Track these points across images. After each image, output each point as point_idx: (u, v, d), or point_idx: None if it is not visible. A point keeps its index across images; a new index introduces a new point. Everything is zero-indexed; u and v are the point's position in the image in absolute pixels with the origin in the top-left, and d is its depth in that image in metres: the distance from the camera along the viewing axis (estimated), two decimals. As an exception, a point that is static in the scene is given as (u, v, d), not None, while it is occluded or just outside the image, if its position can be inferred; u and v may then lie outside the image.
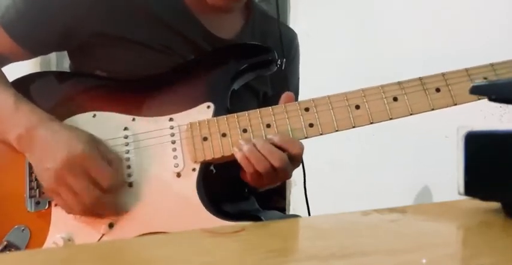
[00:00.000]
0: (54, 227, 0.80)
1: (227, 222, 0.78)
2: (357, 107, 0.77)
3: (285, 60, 0.91)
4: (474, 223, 0.45)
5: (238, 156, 0.77)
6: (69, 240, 0.79)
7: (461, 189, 0.44)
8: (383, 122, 0.79)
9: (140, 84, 0.86)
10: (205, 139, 0.80)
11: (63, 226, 0.80)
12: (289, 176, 0.82)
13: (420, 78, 0.77)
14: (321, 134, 0.78)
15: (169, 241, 0.41)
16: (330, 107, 0.78)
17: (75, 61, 0.94)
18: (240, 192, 0.99)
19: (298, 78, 1.09)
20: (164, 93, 0.85)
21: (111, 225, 0.79)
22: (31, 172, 0.81)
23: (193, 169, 0.80)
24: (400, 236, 0.41)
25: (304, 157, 0.83)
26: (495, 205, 0.45)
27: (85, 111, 0.84)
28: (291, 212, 1.97)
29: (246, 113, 0.80)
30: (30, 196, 0.81)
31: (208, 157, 0.80)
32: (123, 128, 0.82)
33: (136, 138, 0.82)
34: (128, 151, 0.81)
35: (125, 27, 0.86)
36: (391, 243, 0.38)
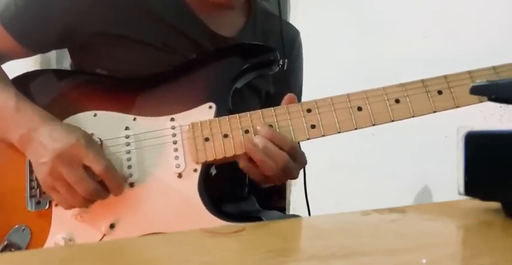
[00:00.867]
0: (55, 227, 0.80)
1: (227, 222, 0.78)
2: (359, 109, 0.77)
3: (286, 60, 0.91)
4: (474, 223, 0.45)
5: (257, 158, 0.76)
6: (70, 240, 0.79)
7: (461, 189, 0.44)
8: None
9: (142, 84, 0.86)
10: (207, 139, 0.80)
11: (64, 226, 0.80)
12: (296, 176, 0.82)
13: (422, 80, 0.77)
14: (323, 136, 0.78)
15: (169, 241, 0.41)
16: (332, 109, 0.78)
17: (75, 59, 0.94)
18: (240, 192, 0.99)
19: (302, 77, 1.08)
20: (166, 92, 0.85)
21: (112, 226, 0.79)
22: (31, 172, 0.81)
23: (195, 170, 0.80)
24: (400, 236, 0.41)
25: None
26: (495, 205, 0.45)
27: (86, 110, 0.84)
28: (291, 212, 1.97)
29: (248, 113, 0.80)
30: (31, 196, 0.81)
31: (210, 158, 0.80)
32: (124, 128, 0.82)
33: (138, 138, 0.82)
34: (128, 151, 0.81)
35: (125, 25, 0.86)
36: (391, 243, 0.38)
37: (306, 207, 0.97)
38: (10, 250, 0.80)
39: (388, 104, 0.77)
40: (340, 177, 1.86)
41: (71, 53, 0.94)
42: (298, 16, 2.03)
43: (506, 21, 1.37)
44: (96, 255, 0.37)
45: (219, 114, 0.81)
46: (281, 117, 0.79)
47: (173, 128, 0.81)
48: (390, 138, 1.61)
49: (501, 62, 0.76)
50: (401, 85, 0.77)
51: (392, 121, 0.77)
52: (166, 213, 0.79)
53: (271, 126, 0.78)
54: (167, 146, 0.81)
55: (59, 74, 0.92)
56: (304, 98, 1.02)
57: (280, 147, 0.76)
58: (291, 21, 2.03)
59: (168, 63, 0.86)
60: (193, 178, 0.80)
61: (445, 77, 0.77)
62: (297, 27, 1.08)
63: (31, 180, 0.82)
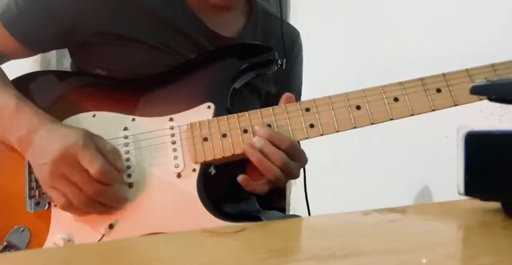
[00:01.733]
0: (54, 228, 0.80)
1: (227, 222, 0.78)
2: (358, 108, 0.77)
3: (285, 60, 0.91)
4: (474, 223, 0.45)
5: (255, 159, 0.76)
6: (69, 240, 0.79)
7: (461, 189, 0.44)
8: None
9: (140, 84, 0.86)
10: (205, 139, 0.80)
11: (63, 226, 0.80)
12: (297, 176, 0.82)
13: (421, 79, 0.77)
14: (322, 135, 0.78)
15: (169, 241, 0.41)
16: (331, 108, 0.78)
17: (75, 59, 0.94)
18: (240, 192, 0.99)
19: (302, 78, 1.08)
20: (164, 93, 0.85)
21: (111, 226, 0.79)
22: (31, 173, 0.81)
23: (194, 170, 0.80)
24: (400, 236, 0.41)
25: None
26: (495, 205, 0.45)
27: (85, 111, 0.84)
28: (291, 212, 1.97)
29: (246, 113, 0.80)
30: (30, 197, 0.81)
31: (209, 158, 0.80)
32: (123, 128, 0.82)
33: (136, 138, 0.82)
34: (127, 152, 0.81)
35: (125, 25, 0.86)
36: (391, 243, 0.38)
37: (306, 207, 0.96)
38: (9, 251, 0.80)
39: (386, 102, 0.77)
40: (340, 177, 1.86)
41: (71, 53, 0.94)
42: (298, 16, 2.03)
43: (506, 21, 1.37)
44: (96, 255, 0.37)
45: (217, 114, 0.81)
46: (279, 116, 0.79)
47: (172, 128, 0.81)
48: (390, 138, 1.61)
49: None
50: (400, 83, 0.77)
51: (391, 120, 0.77)
52: (165, 213, 0.79)
53: (269, 125, 0.78)
54: (166, 146, 0.81)
55: (58, 75, 0.93)
56: (303, 98, 1.02)
57: (278, 146, 0.76)
58: (291, 21, 2.03)
59: (167, 64, 0.86)
60: (192, 178, 0.80)
61: (444, 75, 0.77)
62: (297, 27, 1.08)
63: (30, 181, 0.82)
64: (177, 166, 0.80)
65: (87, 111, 0.84)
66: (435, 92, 0.76)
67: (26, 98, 0.82)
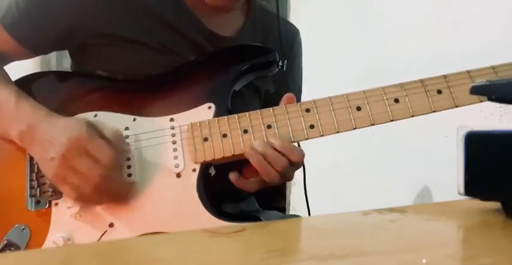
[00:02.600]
0: (54, 226, 0.80)
1: (227, 222, 0.78)
2: (358, 108, 0.77)
3: (286, 61, 0.91)
4: (474, 223, 0.45)
5: (255, 161, 0.77)
6: (68, 239, 0.79)
7: (461, 189, 0.44)
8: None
9: (141, 85, 0.86)
10: (205, 139, 0.80)
11: (63, 225, 0.80)
12: (291, 178, 0.82)
13: (421, 80, 0.77)
14: (322, 135, 0.78)
15: (169, 241, 0.41)
16: (331, 108, 0.78)
17: (76, 60, 0.94)
18: (240, 192, 0.99)
19: (301, 76, 1.08)
20: (165, 93, 0.85)
21: (111, 225, 0.79)
22: (32, 171, 0.82)
23: (194, 170, 0.80)
24: (400, 236, 0.41)
25: (305, 157, 0.83)
26: (495, 205, 0.45)
27: (86, 111, 0.84)
28: (291, 212, 1.97)
29: (246, 113, 0.80)
30: (31, 196, 0.81)
31: (209, 158, 0.80)
32: (124, 128, 0.82)
33: (137, 138, 0.82)
34: (128, 151, 0.81)
35: (124, 26, 0.86)
36: (391, 243, 0.38)
37: (306, 207, 0.97)
38: (10, 250, 0.80)
39: (387, 103, 0.77)
40: (340, 177, 1.86)
41: (71, 54, 0.94)
42: (298, 16, 2.03)
43: (506, 21, 1.37)
44: (95, 255, 0.37)
45: (218, 114, 0.81)
46: (280, 117, 0.79)
47: (172, 128, 0.82)
48: (390, 138, 1.61)
49: (501, 62, 0.76)
50: (401, 85, 0.77)
51: (392, 121, 0.77)
52: (165, 213, 0.79)
53: (269, 126, 0.78)
54: (166, 146, 0.81)
55: (59, 75, 0.93)
56: (303, 98, 1.02)
57: (287, 156, 0.76)
58: (291, 20, 2.03)
59: (166, 64, 0.87)
60: (192, 178, 0.80)
61: (444, 76, 0.77)
62: (297, 26, 1.08)
63: (31, 180, 0.82)
64: (177, 166, 0.80)
65: (89, 111, 0.84)
66: (436, 93, 0.76)
67: (26, 94, 0.82)
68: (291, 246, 0.40)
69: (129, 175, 0.80)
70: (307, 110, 0.79)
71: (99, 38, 0.86)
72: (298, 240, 0.44)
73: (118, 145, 0.77)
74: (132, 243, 0.44)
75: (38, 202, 0.81)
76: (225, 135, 0.79)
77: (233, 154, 0.79)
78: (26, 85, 0.87)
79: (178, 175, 0.80)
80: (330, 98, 0.79)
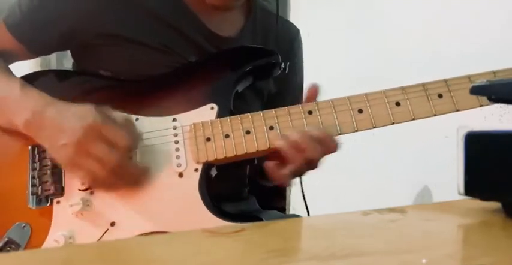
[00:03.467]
0: (55, 224, 0.80)
1: (228, 222, 0.78)
2: (360, 111, 0.78)
3: (288, 63, 0.91)
4: (474, 223, 0.45)
5: (284, 146, 0.76)
6: (70, 237, 0.79)
7: (461, 189, 0.44)
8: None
9: (144, 84, 0.86)
10: (208, 140, 0.80)
11: (64, 223, 0.80)
12: (317, 166, 0.83)
13: (423, 84, 0.78)
14: None
15: (169, 241, 0.41)
16: (333, 110, 0.78)
17: (78, 60, 0.94)
18: (241, 192, 0.99)
19: (302, 75, 1.09)
20: (168, 93, 0.85)
21: (112, 224, 0.79)
22: (33, 169, 0.82)
23: (196, 170, 0.80)
24: (400, 236, 0.41)
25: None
26: (495, 205, 0.45)
27: (89, 111, 0.84)
28: (291, 212, 1.97)
29: (249, 114, 0.80)
30: (32, 193, 0.81)
31: (211, 158, 0.80)
32: (126, 128, 0.82)
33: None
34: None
35: (126, 27, 0.86)
36: (391, 243, 0.38)
37: (305, 207, 0.96)
38: (10, 247, 0.80)
39: (388, 106, 0.77)
40: (340, 177, 1.86)
41: (73, 55, 0.95)
42: (298, 16, 2.03)
43: (506, 21, 1.37)
44: (95, 255, 0.37)
45: (220, 115, 0.81)
46: (282, 118, 0.79)
47: (175, 128, 0.82)
48: (390, 138, 1.60)
49: (501, 62, 0.76)
50: (402, 88, 0.78)
51: (393, 124, 0.78)
52: (167, 212, 0.79)
53: (272, 127, 0.79)
54: (169, 146, 0.81)
55: (61, 74, 0.93)
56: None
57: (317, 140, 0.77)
58: (291, 20, 2.03)
59: (167, 65, 0.87)
60: (194, 178, 0.80)
61: (445, 80, 0.77)
62: (297, 27, 1.08)
63: (33, 178, 0.82)
64: (179, 165, 0.80)
65: (91, 110, 0.84)
66: (437, 97, 0.77)
67: (31, 85, 0.82)
68: (291, 246, 0.40)
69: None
70: (310, 112, 0.79)
71: (101, 38, 0.86)
72: (298, 240, 0.44)
73: (131, 129, 0.77)
74: (132, 243, 0.44)
75: (39, 200, 0.81)
76: (227, 136, 0.80)
77: (235, 155, 0.79)
78: (28, 83, 0.87)
79: (181, 175, 0.80)
80: (332, 100, 0.79)
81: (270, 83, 0.98)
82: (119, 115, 0.78)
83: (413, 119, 0.77)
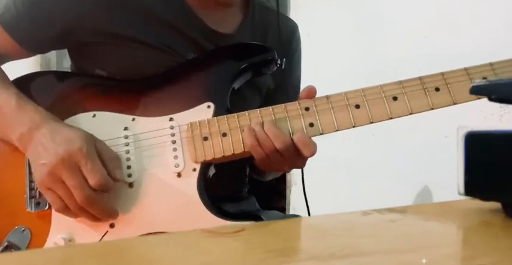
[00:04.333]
0: (55, 227, 0.80)
1: (228, 221, 0.78)
2: (357, 107, 0.78)
3: (285, 59, 0.91)
4: (474, 223, 0.45)
5: (246, 134, 0.77)
6: (70, 240, 0.79)
7: (461, 189, 0.44)
8: (383, 122, 0.79)
9: (140, 84, 0.86)
10: (205, 139, 0.80)
11: (64, 226, 0.80)
12: (302, 165, 0.83)
13: (420, 78, 0.77)
14: (322, 134, 0.78)
15: (169, 241, 0.41)
16: (330, 106, 0.78)
17: (74, 59, 0.94)
18: (241, 192, 0.99)
19: (300, 72, 1.09)
20: (164, 92, 0.85)
21: (112, 225, 0.79)
22: (31, 173, 0.81)
23: (194, 169, 0.80)
24: (400, 236, 0.41)
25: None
26: (495, 205, 0.45)
27: (85, 111, 0.84)
28: (291, 212, 1.97)
29: (246, 112, 0.80)
30: (31, 197, 0.81)
31: (209, 157, 0.80)
32: (123, 128, 0.82)
33: (137, 138, 0.82)
34: (128, 152, 0.81)
35: (124, 25, 0.85)
36: (391, 243, 0.38)
37: (306, 207, 0.96)
38: (10, 251, 0.80)
39: (385, 101, 0.77)
40: (340, 177, 1.86)
41: (70, 54, 0.94)
42: (298, 15, 2.03)
43: (506, 21, 1.37)
44: (96, 255, 0.37)
45: (217, 113, 0.81)
46: (279, 115, 0.79)
47: (172, 127, 0.82)
48: (390, 138, 1.61)
49: (501, 61, 0.76)
50: (399, 82, 0.78)
51: (391, 118, 0.77)
52: (166, 213, 0.79)
53: None
54: (166, 146, 0.81)
55: (57, 75, 0.92)
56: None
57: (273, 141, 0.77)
58: (291, 21, 2.03)
59: (166, 63, 0.87)
60: (192, 178, 0.80)
61: (442, 74, 0.77)
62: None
63: (30, 181, 0.82)
64: (177, 165, 0.80)
65: (88, 111, 0.84)
66: (434, 90, 0.76)
67: (26, 96, 0.82)
68: (291, 246, 0.40)
69: (129, 175, 0.80)
70: (307, 109, 0.79)
71: (98, 36, 0.86)
72: (298, 240, 0.44)
73: (111, 170, 0.77)
74: (132, 243, 0.44)
75: (37, 204, 0.81)
76: (224, 134, 0.79)
77: (233, 154, 0.79)
78: (24, 84, 0.87)
79: (179, 175, 0.80)
80: (329, 96, 0.79)
81: (268, 78, 0.98)
82: (108, 151, 0.78)
83: (411, 113, 0.77)
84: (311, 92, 0.80)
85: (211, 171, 0.83)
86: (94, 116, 0.84)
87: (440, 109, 0.77)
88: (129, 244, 0.43)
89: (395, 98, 0.77)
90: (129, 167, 0.81)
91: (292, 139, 0.77)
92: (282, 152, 0.76)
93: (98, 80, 0.88)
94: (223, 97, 0.83)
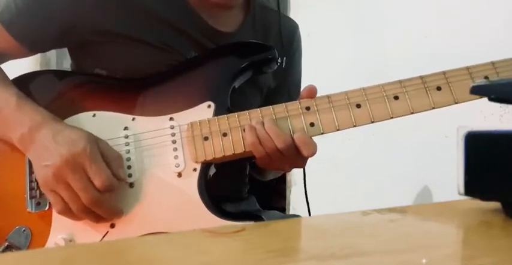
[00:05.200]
0: (55, 228, 0.80)
1: (228, 221, 0.78)
2: (358, 106, 0.77)
3: (285, 58, 0.91)
4: (474, 223, 0.45)
5: (247, 133, 0.77)
6: (70, 240, 0.79)
7: (461, 189, 0.44)
8: (383, 122, 0.78)
9: (140, 84, 0.86)
10: (206, 138, 0.80)
11: (64, 226, 0.80)
12: (303, 164, 0.83)
13: (421, 77, 0.77)
14: (322, 133, 0.78)
15: (169, 241, 0.41)
16: (331, 106, 0.78)
17: (75, 59, 0.94)
18: (241, 192, 0.99)
19: (300, 71, 1.09)
20: (164, 92, 0.85)
21: (112, 225, 0.79)
22: (31, 173, 0.81)
23: (194, 169, 0.80)
24: (400, 236, 0.41)
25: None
26: (495, 205, 0.45)
27: (85, 111, 0.84)
28: (291, 212, 1.97)
29: (246, 112, 0.80)
30: (31, 197, 0.81)
31: (209, 157, 0.80)
32: (123, 128, 0.82)
33: (137, 137, 0.82)
34: (128, 151, 0.81)
35: (125, 24, 0.85)
36: (391, 243, 0.38)
37: (306, 207, 0.96)
38: (11, 252, 0.80)
39: (386, 100, 0.77)
40: (340, 177, 1.86)
41: (71, 53, 0.94)
42: (298, 15, 2.03)
43: (506, 21, 1.37)
44: (96, 255, 0.37)
45: (218, 113, 0.81)
46: (280, 115, 0.79)
47: (172, 127, 0.82)
48: (390, 138, 1.61)
49: (501, 61, 0.76)
50: (400, 82, 0.77)
51: (392, 118, 0.77)
52: (167, 213, 0.79)
53: None
54: (166, 146, 0.81)
55: (57, 74, 0.92)
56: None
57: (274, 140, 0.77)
58: (291, 21, 2.03)
59: (167, 62, 0.86)
60: (192, 178, 0.80)
61: (444, 73, 0.77)
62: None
63: (31, 181, 0.82)
64: (177, 165, 0.80)
65: (88, 110, 0.84)
66: (435, 89, 0.76)
67: (26, 96, 0.82)
68: (291, 246, 0.40)
69: (130, 175, 0.80)
70: (307, 108, 0.79)
71: (98, 35, 0.86)
72: (298, 240, 0.44)
73: (115, 170, 0.77)
74: (132, 243, 0.44)
75: (38, 204, 0.81)
76: (225, 134, 0.79)
77: (234, 153, 0.79)
78: (24, 83, 0.87)
79: (179, 175, 0.80)
80: (329, 96, 0.79)
81: (269, 78, 0.97)
82: (111, 151, 0.78)
83: (412, 113, 0.77)
84: (312, 92, 0.80)
85: (212, 171, 0.83)
86: (94, 115, 0.83)
87: (440, 109, 0.77)
88: (129, 244, 0.43)
89: (396, 97, 0.77)
90: (129, 167, 0.81)
91: (292, 138, 0.76)
92: (283, 151, 0.76)
93: (98, 79, 0.88)
94: (223, 96, 0.83)
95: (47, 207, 0.81)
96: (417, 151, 1.59)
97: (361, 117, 0.77)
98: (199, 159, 0.80)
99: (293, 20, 1.08)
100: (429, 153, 1.53)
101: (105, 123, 0.83)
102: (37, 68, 2.22)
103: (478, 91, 0.47)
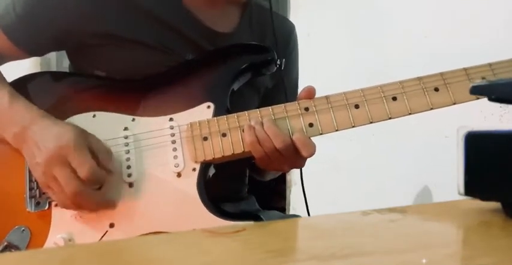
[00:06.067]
0: (55, 227, 0.80)
1: (228, 221, 0.78)
2: (357, 107, 0.78)
3: (284, 59, 0.91)
4: (474, 223, 0.45)
5: (246, 133, 0.77)
6: (69, 240, 0.79)
7: (461, 189, 0.44)
8: (383, 122, 0.79)
9: (140, 84, 0.86)
10: (205, 139, 0.80)
11: (64, 226, 0.80)
12: (302, 165, 0.83)
13: (419, 78, 0.78)
14: (321, 134, 0.78)
15: (169, 241, 0.41)
16: (330, 106, 0.78)
17: (73, 61, 0.94)
18: (241, 192, 0.99)
19: (297, 71, 1.09)
20: (164, 93, 0.85)
21: (111, 225, 0.79)
22: (30, 173, 0.81)
23: (194, 169, 0.80)
24: (400, 236, 0.41)
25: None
26: (495, 205, 0.45)
27: (85, 112, 0.84)
28: (291, 212, 1.97)
29: (246, 112, 0.80)
30: (30, 197, 0.81)
31: (209, 157, 0.80)
32: (123, 128, 0.82)
33: (137, 138, 0.82)
34: (128, 152, 0.81)
35: (123, 26, 0.86)
36: (391, 243, 0.38)
37: (306, 208, 0.96)
38: (10, 251, 0.80)
39: (385, 101, 0.77)
40: (340, 177, 1.86)
41: (69, 55, 0.94)
42: (298, 15, 2.03)
43: (506, 21, 1.37)
44: (95, 255, 0.37)
45: (217, 113, 0.81)
46: (279, 115, 0.79)
47: (172, 127, 0.82)
48: (390, 138, 1.61)
49: (500, 62, 0.76)
50: (398, 83, 0.78)
51: (390, 118, 0.78)
52: (166, 213, 0.79)
53: None
54: (166, 146, 0.81)
55: (57, 76, 0.92)
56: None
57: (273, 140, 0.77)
58: (291, 20, 2.03)
59: (165, 64, 0.87)
60: (192, 178, 0.80)
61: (441, 74, 0.77)
62: (297, 27, 1.08)
63: (30, 181, 0.82)
64: (177, 165, 0.80)
65: (87, 111, 0.84)
66: (433, 90, 0.77)
67: (19, 94, 0.82)
68: (291, 246, 0.40)
69: (129, 175, 0.80)
70: (306, 109, 0.79)
71: (97, 38, 0.86)
72: (298, 240, 0.44)
73: (103, 162, 0.77)
74: (132, 243, 0.44)
75: (37, 204, 0.81)
76: (224, 134, 0.80)
77: (233, 154, 0.79)
78: (23, 85, 0.87)
79: (179, 175, 0.80)
80: (328, 97, 0.79)
81: (266, 78, 0.98)
82: (100, 145, 0.78)
83: (410, 114, 0.77)
84: (310, 92, 0.80)
85: (211, 171, 0.83)
86: (94, 116, 0.84)
87: (440, 109, 0.77)
88: (128, 244, 0.43)
89: (394, 98, 0.77)
90: (129, 167, 0.81)
91: (291, 138, 0.77)
92: (282, 151, 0.76)
93: (97, 80, 0.88)
94: (223, 97, 0.83)
95: (47, 207, 0.81)
96: (417, 151, 1.59)
97: (360, 117, 0.77)
98: (198, 159, 0.80)
99: (289, 21, 1.08)
100: (429, 154, 1.53)
101: (105, 124, 0.83)
102: (37, 69, 2.22)
103: (478, 91, 0.47)
